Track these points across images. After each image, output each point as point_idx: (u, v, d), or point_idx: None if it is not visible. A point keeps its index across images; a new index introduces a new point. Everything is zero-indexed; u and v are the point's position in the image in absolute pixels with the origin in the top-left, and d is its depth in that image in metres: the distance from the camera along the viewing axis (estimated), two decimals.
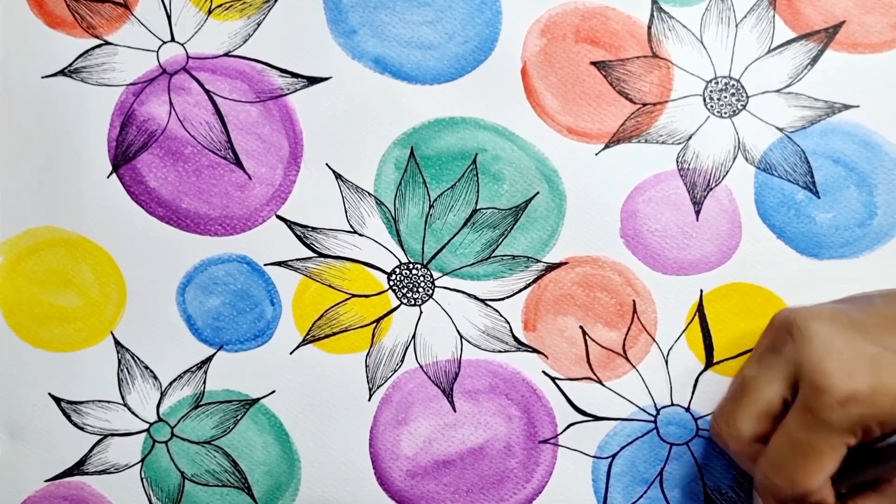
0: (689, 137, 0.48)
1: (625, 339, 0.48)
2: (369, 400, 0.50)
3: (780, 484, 0.40)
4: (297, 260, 0.50)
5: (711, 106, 0.48)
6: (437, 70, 0.49)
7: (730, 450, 0.43)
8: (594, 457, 0.49)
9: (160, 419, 0.50)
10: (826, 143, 0.47)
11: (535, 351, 0.49)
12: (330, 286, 0.49)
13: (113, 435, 0.51)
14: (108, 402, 0.50)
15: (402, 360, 0.49)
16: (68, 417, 0.50)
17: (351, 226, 0.49)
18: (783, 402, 0.41)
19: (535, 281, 0.49)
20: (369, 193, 0.49)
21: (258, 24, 0.49)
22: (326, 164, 0.49)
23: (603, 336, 0.49)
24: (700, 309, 0.48)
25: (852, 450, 0.40)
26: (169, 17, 0.50)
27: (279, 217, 0.49)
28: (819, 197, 0.47)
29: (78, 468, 0.51)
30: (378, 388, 0.50)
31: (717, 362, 0.48)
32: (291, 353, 0.50)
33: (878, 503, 0.41)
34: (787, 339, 0.41)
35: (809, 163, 0.47)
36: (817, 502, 0.40)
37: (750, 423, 0.42)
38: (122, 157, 0.50)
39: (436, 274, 0.49)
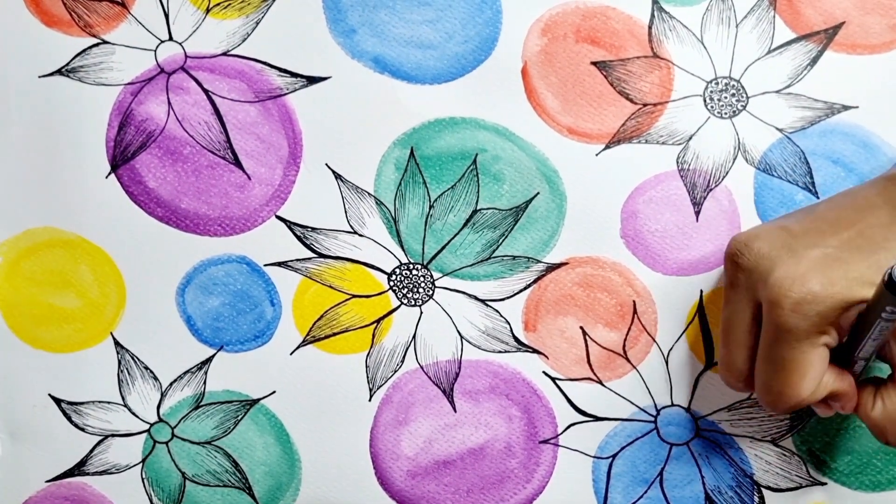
0: (690, 138, 0.48)
1: (625, 339, 0.49)
2: (370, 400, 0.50)
3: (773, 402, 0.41)
4: (297, 260, 0.50)
5: (712, 106, 0.48)
6: (438, 70, 0.49)
7: (741, 390, 0.44)
8: (594, 457, 0.49)
9: (161, 420, 0.50)
10: (825, 143, 0.48)
11: (535, 351, 0.49)
12: (330, 287, 0.49)
13: (113, 435, 0.51)
14: (109, 402, 0.50)
15: (402, 361, 0.50)
16: (69, 418, 0.50)
17: (351, 226, 0.49)
18: (756, 324, 0.42)
19: (535, 281, 0.49)
20: (369, 194, 0.49)
21: (257, 23, 0.49)
22: (326, 165, 0.49)
23: (603, 336, 0.49)
24: (700, 309, 0.48)
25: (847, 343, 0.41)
26: (167, 16, 0.49)
27: (279, 217, 0.49)
28: (818, 197, 0.47)
29: (79, 469, 0.51)
30: (378, 388, 0.50)
31: (717, 363, 0.48)
32: (292, 353, 0.50)
33: None
34: (737, 268, 0.42)
35: (809, 163, 0.48)
36: (829, 396, 0.40)
37: (742, 358, 0.43)
38: (121, 158, 0.49)
39: (436, 274, 0.49)
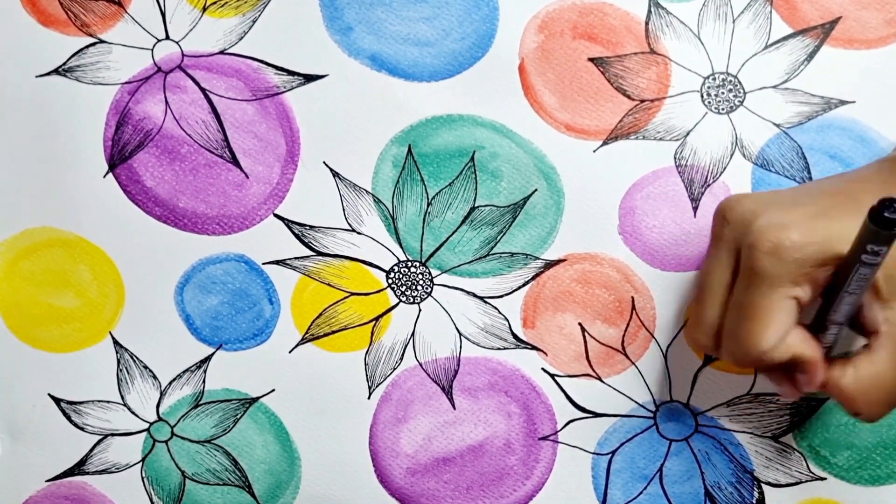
0: (687, 134, 0.48)
1: (624, 335, 0.49)
2: (369, 398, 0.50)
3: (734, 350, 0.40)
4: (296, 258, 0.50)
5: (709, 102, 0.48)
6: (434, 67, 0.49)
7: (707, 347, 0.42)
8: (594, 453, 0.49)
9: (160, 419, 0.51)
10: (823, 138, 0.48)
11: (534, 348, 0.49)
12: (328, 284, 0.49)
13: (113, 435, 0.51)
14: (108, 402, 0.50)
15: (401, 358, 0.50)
16: (68, 418, 0.50)
17: (349, 224, 0.49)
18: (735, 280, 0.41)
19: (533, 278, 0.49)
20: (367, 191, 0.49)
21: (253, 22, 0.49)
22: (324, 163, 0.49)
23: (602, 332, 0.49)
24: None
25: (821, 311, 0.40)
26: (163, 15, 0.49)
27: (277, 216, 0.49)
28: None
29: (79, 468, 0.51)
30: (377, 385, 0.50)
31: (716, 358, 0.48)
32: (290, 351, 0.50)
33: (869, 360, 0.40)
34: (724, 222, 0.41)
35: (806, 158, 0.48)
36: (791, 359, 0.40)
37: (714, 313, 0.42)
38: (119, 157, 0.49)
39: (434, 272, 0.49)
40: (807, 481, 0.49)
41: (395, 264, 0.49)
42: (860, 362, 0.40)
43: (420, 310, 0.49)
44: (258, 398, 0.50)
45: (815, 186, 0.43)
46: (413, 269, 0.49)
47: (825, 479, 0.48)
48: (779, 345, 0.39)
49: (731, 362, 0.41)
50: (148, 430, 0.51)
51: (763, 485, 0.49)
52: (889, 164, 0.42)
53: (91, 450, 0.51)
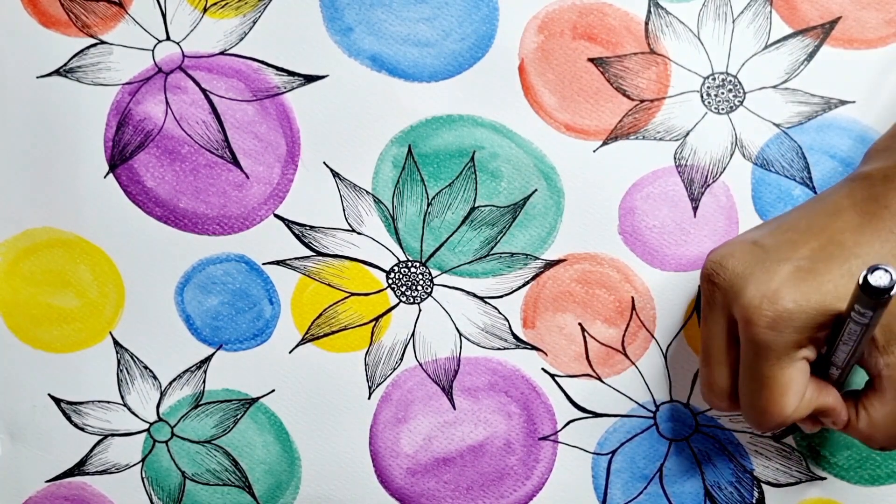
0: (687, 134, 0.48)
1: (624, 335, 0.49)
2: (369, 398, 0.50)
3: (758, 419, 0.41)
4: (296, 259, 0.50)
5: (709, 102, 0.48)
6: (434, 67, 0.49)
7: (724, 410, 0.43)
8: (594, 453, 0.49)
9: (160, 419, 0.51)
10: (823, 138, 0.48)
11: (534, 348, 0.49)
12: (328, 285, 0.50)
13: (113, 435, 0.51)
14: (108, 402, 0.50)
15: (401, 358, 0.50)
16: (68, 418, 0.51)
17: (349, 224, 0.49)
18: (735, 343, 0.42)
19: (533, 278, 0.49)
20: (367, 192, 0.49)
21: (254, 23, 0.49)
22: (324, 163, 0.49)
23: (602, 333, 0.49)
24: (698, 305, 0.48)
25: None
26: (164, 16, 0.49)
27: (277, 216, 0.49)
28: (816, 192, 0.47)
29: (79, 468, 0.51)
30: (378, 386, 0.50)
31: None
32: (291, 351, 0.50)
33: (879, 402, 0.41)
34: (713, 287, 0.42)
35: (806, 158, 0.48)
36: (815, 411, 0.41)
37: (723, 378, 0.42)
38: (119, 157, 0.50)
39: (434, 272, 0.49)
40: (807, 481, 0.48)
41: (396, 264, 0.49)
42: (870, 405, 0.41)
43: (420, 310, 0.49)
44: (258, 398, 0.50)
45: (793, 226, 0.42)
46: (413, 270, 0.49)
47: (825, 478, 0.48)
48: (799, 406, 0.40)
49: (756, 429, 0.42)
50: (148, 430, 0.51)
51: (763, 485, 0.49)
52: (860, 184, 0.42)
53: (91, 450, 0.51)
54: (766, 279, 0.39)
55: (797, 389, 0.40)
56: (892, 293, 0.34)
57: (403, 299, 0.49)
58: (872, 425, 0.41)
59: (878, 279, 0.34)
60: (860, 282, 0.34)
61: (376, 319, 0.50)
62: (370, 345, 0.50)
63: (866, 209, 0.40)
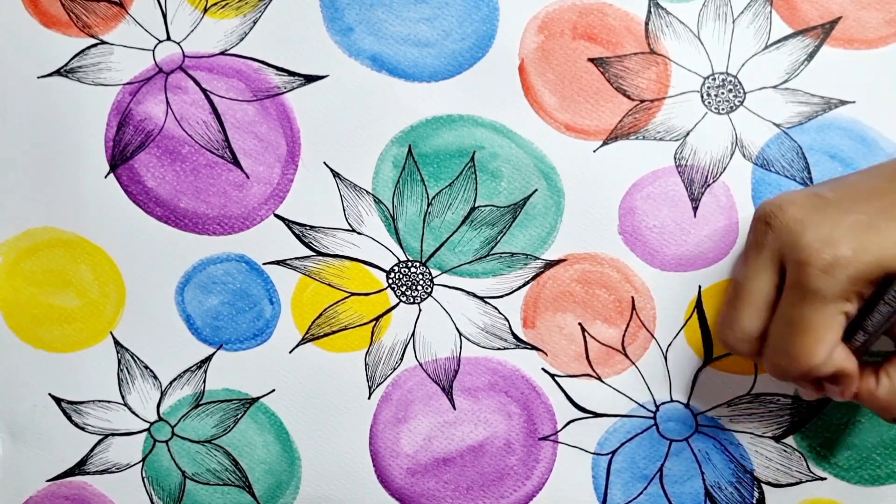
0: (687, 134, 0.48)
1: (624, 335, 0.49)
2: (369, 398, 0.50)
3: (784, 365, 0.41)
4: (296, 259, 0.50)
5: (709, 102, 0.48)
6: (435, 67, 0.49)
7: (743, 353, 0.43)
8: (594, 453, 0.49)
9: (160, 419, 0.51)
10: (823, 138, 0.47)
11: (534, 348, 0.49)
12: (329, 285, 0.50)
13: (114, 435, 0.51)
14: (109, 402, 0.51)
15: (401, 358, 0.50)
16: (69, 417, 0.51)
17: (349, 224, 0.49)
18: (776, 290, 0.42)
19: (533, 278, 0.49)
20: (367, 192, 0.49)
21: (254, 23, 0.49)
22: (324, 163, 0.49)
23: (602, 333, 0.49)
24: (699, 305, 0.48)
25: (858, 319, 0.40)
26: (164, 16, 0.49)
27: (277, 216, 0.49)
28: None
29: (79, 468, 0.51)
30: (378, 386, 0.50)
31: (717, 358, 0.48)
32: (291, 351, 0.50)
33: None
34: (767, 229, 0.42)
35: (806, 158, 0.48)
36: (834, 373, 0.40)
37: (752, 320, 0.42)
38: (120, 157, 0.50)
39: (434, 272, 0.49)
40: (807, 481, 0.48)
41: (396, 264, 0.49)
42: (893, 371, 0.41)
43: (420, 310, 0.49)
44: (258, 398, 0.50)
45: (856, 185, 0.42)
46: (413, 270, 0.49)
47: (825, 479, 0.48)
48: (827, 360, 0.40)
49: (773, 375, 0.42)
50: (148, 430, 0.51)
51: (763, 485, 0.49)
52: None
53: (91, 450, 0.51)
54: (827, 225, 0.39)
55: (831, 341, 0.39)
56: None
57: (403, 299, 0.49)
58: (893, 393, 0.40)
59: None
60: None
61: (376, 319, 0.50)
62: (370, 345, 0.50)
63: None
